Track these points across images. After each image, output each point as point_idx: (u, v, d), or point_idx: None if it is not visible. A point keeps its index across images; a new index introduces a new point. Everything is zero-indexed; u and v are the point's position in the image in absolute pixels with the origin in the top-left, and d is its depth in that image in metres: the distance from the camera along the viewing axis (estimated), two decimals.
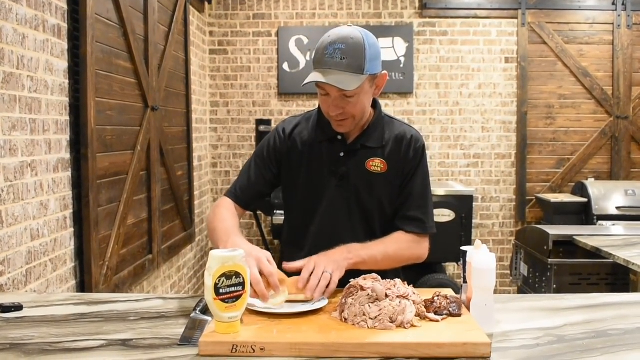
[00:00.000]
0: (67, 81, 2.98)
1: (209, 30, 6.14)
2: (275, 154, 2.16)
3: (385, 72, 2.03)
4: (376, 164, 2.07)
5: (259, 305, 1.68)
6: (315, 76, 1.90)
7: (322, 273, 1.76)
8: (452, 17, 6.14)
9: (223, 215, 2.07)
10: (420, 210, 2.10)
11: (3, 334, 1.62)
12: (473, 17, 6.13)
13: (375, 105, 2.13)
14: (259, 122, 5.62)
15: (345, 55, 1.87)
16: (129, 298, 1.99)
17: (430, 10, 6.11)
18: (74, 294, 2.47)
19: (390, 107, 6.12)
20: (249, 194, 2.17)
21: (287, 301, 1.71)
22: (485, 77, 6.18)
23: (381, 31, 6.05)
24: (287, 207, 2.23)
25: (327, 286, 1.76)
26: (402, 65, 6.08)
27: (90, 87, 3.06)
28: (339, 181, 2.08)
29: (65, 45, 2.97)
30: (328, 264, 1.80)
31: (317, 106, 2.17)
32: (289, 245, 2.22)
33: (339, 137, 2.09)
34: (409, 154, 2.09)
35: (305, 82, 1.94)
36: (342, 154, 2.08)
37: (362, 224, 2.08)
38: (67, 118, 2.98)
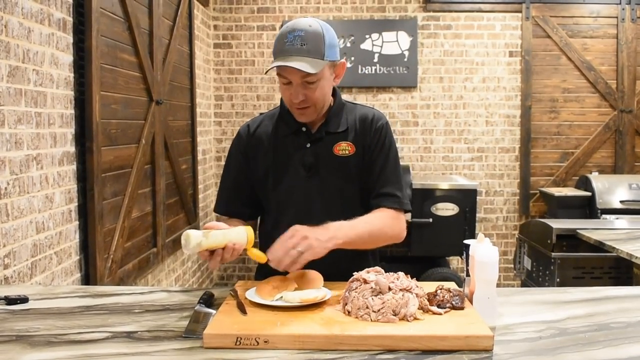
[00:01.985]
0: (72, 75, 2.99)
1: (213, 24, 6.14)
2: (242, 156, 2.15)
3: (344, 60, 2.07)
4: (343, 148, 2.08)
5: (262, 299, 1.69)
6: (277, 62, 1.93)
7: (293, 249, 1.76)
8: (456, 11, 6.12)
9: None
10: (394, 186, 2.10)
11: (9, 325, 1.63)
12: (477, 11, 6.11)
13: (334, 93, 2.15)
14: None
15: (304, 42, 1.91)
16: (133, 291, 2.00)
17: (434, 4, 6.10)
18: (79, 287, 2.49)
19: (394, 100, 6.12)
20: (230, 204, 2.19)
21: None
22: (489, 71, 6.17)
23: (385, 25, 6.05)
24: (264, 204, 2.20)
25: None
26: (406, 59, 6.07)
27: (95, 81, 3.08)
28: (308, 172, 2.08)
29: (70, 39, 2.98)
30: (304, 242, 1.77)
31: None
32: (267, 240, 2.09)
33: (303, 129, 2.10)
34: (371, 133, 2.10)
35: (268, 68, 1.98)
36: (308, 145, 2.09)
37: (339, 210, 2.04)
38: (72, 111, 3.00)
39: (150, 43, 3.98)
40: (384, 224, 2.05)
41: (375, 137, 2.10)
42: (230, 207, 2.19)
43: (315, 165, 2.08)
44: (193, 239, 1.68)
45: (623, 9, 6.04)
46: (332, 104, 2.13)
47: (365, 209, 2.09)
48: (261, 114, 2.27)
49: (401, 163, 2.22)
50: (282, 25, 6.00)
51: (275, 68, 1.96)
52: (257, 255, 1.81)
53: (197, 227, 5.21)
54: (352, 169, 2.08)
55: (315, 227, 1.84)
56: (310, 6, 6.10)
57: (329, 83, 2.04)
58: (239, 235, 1.79)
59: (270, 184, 2.12)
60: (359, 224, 1.97)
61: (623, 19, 6.05)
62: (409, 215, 5.04)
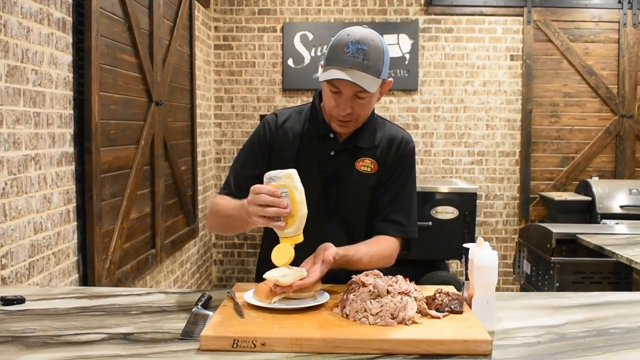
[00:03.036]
0: (71, 75, 2.98)
1: (213, 25, 6.14)
2: (265, 145, 2.12)
3: (391, 79, 2.02)
4: (366, 164, 2.05)
5: (259, 302, 1.68)
6: (337, 73, 1.86)
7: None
8: (457, 14, 6.12)
9: (221, 202, 2.04)
10: (404, 214, 2.08)
11: (5, 326, 1.62)
12: (478, 14, 6.11)
13: None
14: (263, 117, 5.62)
15: (367, 57, 1.85)
16: (131, 292, 1.99)
17: (436, 7, 6.10)
18: (76, 288, 2.48)
19: (395, 103, 6.11)
20: (244, 188, 2.14)
21: (286, 298, 1.71)
22: (490, 74, 6.17)
23: (386, 28, 6.04)
24: None
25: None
26: (406, 62, 6.06)
27: (95, 81, 3.07)
28: (326, 180, 2.05)
29: (69, 39, 2.97)
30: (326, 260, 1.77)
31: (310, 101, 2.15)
32: (270, 239, 2.07)
33: (331, 135, 2.06)
34: (398, 156, 2.08)
35: (328, 78, 1.89)
36: (332, 153, 2.06)
37: (346, 224, 2.05)
38: (71, 112, 2.99)
39: (150, 44, 3.97)
40: (383, 255, 2.02)
41: (399, 160, 2.08)
42: (237, 192, 2.08)
43: (335, 175, 2.05)
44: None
45: (625, 14, 6.04)
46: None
47: (367, 225, 2.08)
48: (286, 108, 2.23)
49: (416, 185, 2.18)
50: (283, 27, 6.03)
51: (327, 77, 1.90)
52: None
53: (196, 229, 5.20)
54: (370, 186, 2.06)
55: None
56: (312, 8, 6.10)
57: (375, 101, 2.01)
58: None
59: None
60: (363, 254, 1.93)
61: (625, 24, 6.05)
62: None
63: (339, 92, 1.92)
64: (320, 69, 2.01)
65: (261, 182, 2.03)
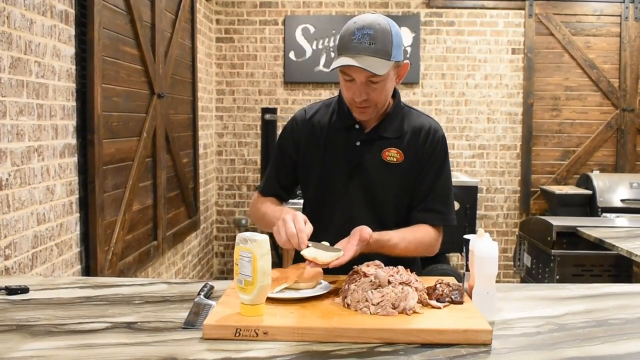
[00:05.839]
0: (74, 67, 2.99)
1: (215, 18, 6.14)
2: (292, 141, 2.17)
3: (407, 61, 2.03)
4: (392, 154, 2.06)
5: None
6: (345, 60, 1.88)
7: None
8: (459, 8, 6.12)
9: (261, 205, 2.16)
10: (443, 202, 2.09)
11: (9, 315, 1.64)
12: (480, 8, 6.11)
13: (394, 94, 2.12)
14: (265, 110, 5.62)
15: (373, 41, 1.87)
16: (133, 282, 2.01)
17: (437, 0, 6.10)
18: (79, 278, 2.50)
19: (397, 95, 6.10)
20: (278, 186, 2.22)
21: (288, 288, 1.72)
22: (492, 68, 6.17)
23: None
24: (303, 192, 2.24)
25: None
26: (408, 55, 6.06)
27: (97, 73, 3.08)
28: (353, 170, 2.07)
29: (72, 31, 2.98)
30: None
31: (336, 95, 2.17)
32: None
33: (357, 126, 2.08)
34: (426, 145, 2.08)
35: (336, 65, 1.92)
36: (358, 143, 2.07)
37: (373, 214, 2.06)
38: (74, 104, 3.00)
39: (153, 36, 3.98)
40: (422, 241, 2.04)
41: (429, 149, 2.08)
42: (273, 189, 2.22)
43: (361, 164, 2.07)
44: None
45: (627, 8, 6.04)
46: (390, 106, 2.11)
47: (406, 216, 2.09)
48: (316, 102, 2.27)
49: (450, 173, 2.18)
50: (284, 20, 6.02)
51: (338, 65, 1.92)
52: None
53: (197, 222, 5.22)
54: (398, 177, 2.06)
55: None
56: (313, 1, 6.09)
57: (392, 84, 2.01)
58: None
59: (315, 175, 2.13)
60: (399, 240, 1.95)
61: (626, 18, 6.04)
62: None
63: (352, 79, 1.94)
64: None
65: (296, 178, 2.19)
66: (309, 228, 1.76)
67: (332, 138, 2.11)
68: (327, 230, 1.96)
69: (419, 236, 2.03)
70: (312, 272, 1.77)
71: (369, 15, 1.94)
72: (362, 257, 1.81)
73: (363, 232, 1.79)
